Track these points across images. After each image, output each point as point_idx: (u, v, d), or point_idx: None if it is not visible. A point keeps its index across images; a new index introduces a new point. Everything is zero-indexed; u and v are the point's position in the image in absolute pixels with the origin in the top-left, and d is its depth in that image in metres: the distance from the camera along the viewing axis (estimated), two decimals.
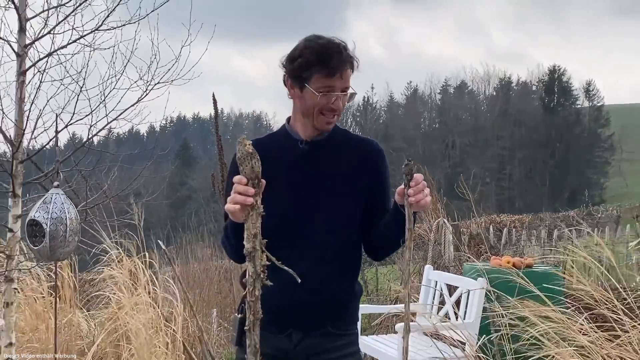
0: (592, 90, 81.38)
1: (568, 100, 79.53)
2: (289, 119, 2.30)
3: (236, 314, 2.34)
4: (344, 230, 2.21)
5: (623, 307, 3.84)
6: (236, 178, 1.78)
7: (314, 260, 2.18)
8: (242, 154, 1.74)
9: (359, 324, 2.36)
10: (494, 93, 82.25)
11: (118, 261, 5.41)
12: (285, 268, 1.82)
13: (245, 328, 1.80)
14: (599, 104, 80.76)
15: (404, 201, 1.97)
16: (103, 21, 4.20)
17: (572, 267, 4.72)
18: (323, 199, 2.19)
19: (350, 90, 2.16)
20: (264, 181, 1.72)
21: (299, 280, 1.86)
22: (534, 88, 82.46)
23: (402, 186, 1.97)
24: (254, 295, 1.77)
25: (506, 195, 65.87)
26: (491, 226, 8.56)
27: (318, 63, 2.10)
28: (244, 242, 1.77)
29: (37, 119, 4.42)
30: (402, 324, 4.28)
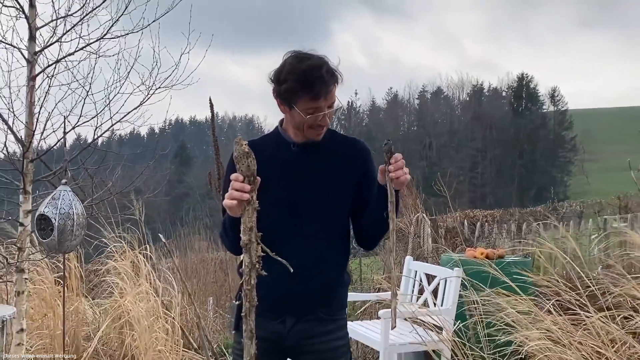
0: (557, 96, 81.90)
1: (535, 105, 79.99)
2: (281, 122, 2.30)
3: (234, 301, 2.35)
4: (334, 223, 2.22)
5: (580, 298, 3.87)
6: (233, 175, 1.78)
7: (307, 252, 2.19)
8: (239, 153, 1.75)
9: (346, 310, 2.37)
10: (467, 98, 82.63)
11: (121, 253, 5.38)
12: (279, 259, 1.83)
13: (242, 314, 1.81)
14: (563, 109, 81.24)
15: (385, 180, 1.99)
16: (108, 30, 4.19)
17: (540, 258, 4.76)
18: (314, 195, 2.20)
19: (336, 104, 2.14)
20: (259, 178, 1.73)
21: (292, 270, 1.87)
22: (503, 94, 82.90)
23: (383, 165, 1.99)
24: (250, 284, 1.79)
25: (478, 193, 66.13)
26: (465, 220, 8.60)
27: (302, 89, 2.07)
28: (241, 235, 1.78)
29: (46, 121, 4.40)
30: (386, 310, 4.31)
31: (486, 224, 11.24)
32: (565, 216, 14.94)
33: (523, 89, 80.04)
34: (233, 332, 2.35)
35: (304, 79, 2.05)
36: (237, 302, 2.31)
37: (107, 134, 4.53)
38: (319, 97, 2.06)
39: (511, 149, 73.54)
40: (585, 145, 74.67)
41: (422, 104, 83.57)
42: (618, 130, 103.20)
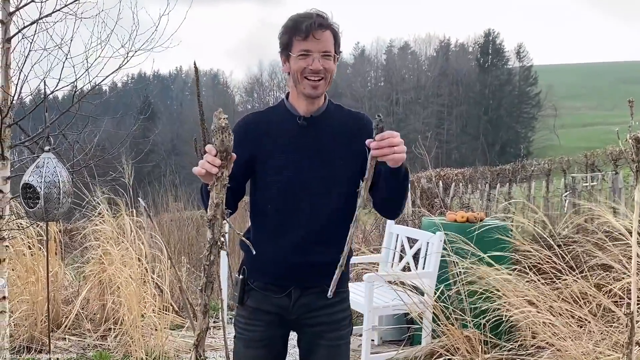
0: (523, 52, 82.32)
1: (501, 61, 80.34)
2: (287, 95, 2.29)
3: (237, 275, 2.36)
4: (340, 197, 2.22)
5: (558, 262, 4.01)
6: (207, 147, 1.78)
7: (312, 226, 2.21)
8: (215, 127, 1.72)
9: None
10: (434, 54, 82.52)
11: (103, 216, 5.34)
12: (243, 239, 1.86)
13: (198, 288, 1.80)
14: (528, 65, 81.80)
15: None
16: None
17: (516, 228, 4.89)
18: (319, 168, 2.20)
19: (327, 55, 2.14)
20: (233, 155, 1.71)
21: (254, 252, 1.91)
22: (470, 49, 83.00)
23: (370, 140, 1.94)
24: (209, 260, 1.77)
25: (444, 148, 66.74)
26: (440, 182, 8.70)
27: (293, 29, 2.14)
28: (207, 209, 1.77)
29: (22, 84, 4.28)
30: (370, 274, 4.39)
31: (461, 184, 11.38)
32: (534, 174, 15.22)
33: (489, 45, 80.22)
34: (237, 305, 2.37)
35: (295, 20, 2.15)
36: (241, 277, 2.33)
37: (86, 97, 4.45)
38: (307, 35, 2.10)
39: (477, 105, 74.07)
40: (548, 102, 75.63)
41: (389, 60, 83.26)
42: (579, 87, 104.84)
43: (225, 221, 1.73)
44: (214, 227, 1.73)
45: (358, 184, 2.28)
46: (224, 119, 1.70)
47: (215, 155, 1.69)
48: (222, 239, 1.76)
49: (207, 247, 1.73)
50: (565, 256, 4.15)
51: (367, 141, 1.93)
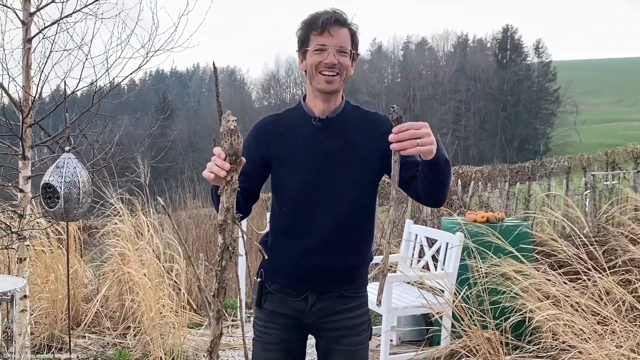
0: (541, 47, 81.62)
1: (519, 56, 79.70)
2: (304, 97, 2.28)
3: (256, 278, 2.35)
4: (357, 200, 2.19)
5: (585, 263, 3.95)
6: (216, 150, 1.73)
7: (329, 230, 2.17)
8: (224, 129, 1.67)
9: None
10: (452, 50, 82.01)
11: (121, 215, 5.36)
12: (257, 245, 1.84)
13: (211, 294, 1.76)
14: (547, 60, 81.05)
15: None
16: None
17: (545, 225, 4.82)
18: (336, 171, 2.17)
19: (343, 51, 2.11)
20: (243, 159, 1.68)
21: (266, 257, 1.88)
22: (488, 45, 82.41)
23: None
24: (221, 265, 1.72)
25: (461, 145, 66.35)
26: (459, 180, 8.62)
27: (310, 25, 2.14)
28: (218, 214, 1.71)
29: (43, 84, 4.30)
30: (390, 275, 4.34)
31: (480, 183, 11.28)
32: (553, 172, 15.05)
33: (508, 41, 79.60)
34: (255, 307, 2.36)
35: (311, 19, 2.15)
36: (259, 279, 2.32)
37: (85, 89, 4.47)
38: (323, 30, 2.10)
39: (495, 101, 73.50)
40: (567, 98, 74.86)
41: (406, 56, 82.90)
42: (599, 83, 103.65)
43: (236, 225, 1.70)
44: (225, 232, 1.70)
45: (376, 186, 2.25)
46: (232, 121, 1.66)
47: (225, 159, 1.67)
48: (233, 243, 1.72)
49: (219, 253, 1.70)
50: (595, 252, 4.07)
51: (390, 137, 1.79)
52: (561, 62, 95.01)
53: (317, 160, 2.17)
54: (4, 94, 4.23)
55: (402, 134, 1.77)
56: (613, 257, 4.49)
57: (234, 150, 1.68)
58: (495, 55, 79.58)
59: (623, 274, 4.04)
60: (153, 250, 5.03)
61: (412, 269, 4.85)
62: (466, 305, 4.12)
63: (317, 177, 2.17)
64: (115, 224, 5.31)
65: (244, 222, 5.04)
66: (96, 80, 4.19)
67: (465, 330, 4.12)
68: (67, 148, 3.64)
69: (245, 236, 1.78)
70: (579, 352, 3.58)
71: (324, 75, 2.13)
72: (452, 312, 4.28)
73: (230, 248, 1.71)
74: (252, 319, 3.19)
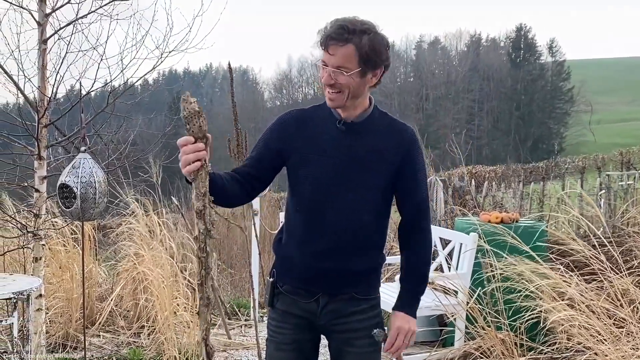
0: (555, 46, 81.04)
1: (533, 56, 79.19)
2: None
3: (268, 278, 2.34)
4: (372, 204, 2.18)
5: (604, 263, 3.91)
6: (182, 140, 1.68)
7: (339, 233, 2.16)
8: (189, 112, 1.60)
9: None
10: (465, 49, 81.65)
11: (135, 216, 5.39)
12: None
13: (197, 282, 1.74)
14: (561, 59, 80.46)
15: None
16: None
17: (561, 224, 4.78)
18: (353, 174, 2.15)
19: (348, 72, 2.03)
20: (209, 136, 1.64)
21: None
22: (502, 44, 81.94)
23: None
24: (205, 251, 1.69)
25: (475, 145, 66.01)
26: (473, 180, 8.58)
27: (320, 36, 2.08)
28: (194, 201, 1.69)
29: (58, 85, 4.34)
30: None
31: (494, 183, 11.22)
32: (568, 172, 14.95)
33: (521, 40, 79.13)
34: (268, 307, 2.36)
35: (323, 29, 2.08)
36: (272, 279, 2.31)
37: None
38: (322, 46, 2.05)
39: (508, 100, 73.08)
40: (581, 97, 74.28)
41: (419, 55, 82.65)
42: (613, 82, 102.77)
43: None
44: (205, 217, 1.66)
45: (389, 194, 2.24)
46: (194, 102, 1.59)
47: (195, 143, 1.62)
48: (211, 227, 1.68)
49: (201, 239, 1.66)
50: (613, 252, 4.04)
51: (384, 347, 2.25)
52: (575, 61, 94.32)
53: (342, 163, 2.15)
54: (20, 95, 4.27)
55: (392, 349, 2.23)
56: (629, 258, 4.45)
57: (203, 133, 1.62)
58: (508, 55, 79.12)
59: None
60: (167, 249, 5.04)
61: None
62: (480, 307, 4.09)
63: (332, 181, 2.15)
64: (130, 223, 5.33)
65: (257, 221, 5.04)
66: (111, 81, 4.21)
67: (478, 332, 4.10)
68: (82, 148, 3.67)
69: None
70: (595, 353, 3.55)
71: (326, 92, 2.11)
72: (466, 313, 4.25)
73: (211, 232, 1.67)
74: (264, 318, 3.20)
